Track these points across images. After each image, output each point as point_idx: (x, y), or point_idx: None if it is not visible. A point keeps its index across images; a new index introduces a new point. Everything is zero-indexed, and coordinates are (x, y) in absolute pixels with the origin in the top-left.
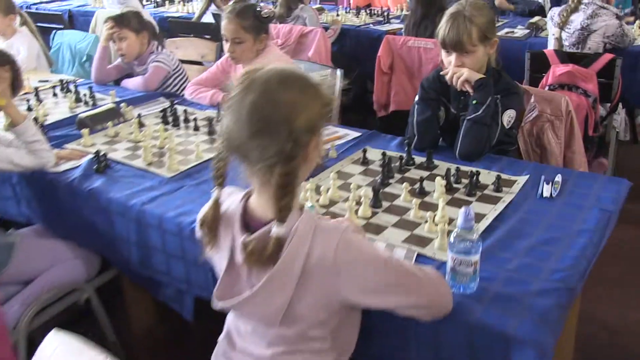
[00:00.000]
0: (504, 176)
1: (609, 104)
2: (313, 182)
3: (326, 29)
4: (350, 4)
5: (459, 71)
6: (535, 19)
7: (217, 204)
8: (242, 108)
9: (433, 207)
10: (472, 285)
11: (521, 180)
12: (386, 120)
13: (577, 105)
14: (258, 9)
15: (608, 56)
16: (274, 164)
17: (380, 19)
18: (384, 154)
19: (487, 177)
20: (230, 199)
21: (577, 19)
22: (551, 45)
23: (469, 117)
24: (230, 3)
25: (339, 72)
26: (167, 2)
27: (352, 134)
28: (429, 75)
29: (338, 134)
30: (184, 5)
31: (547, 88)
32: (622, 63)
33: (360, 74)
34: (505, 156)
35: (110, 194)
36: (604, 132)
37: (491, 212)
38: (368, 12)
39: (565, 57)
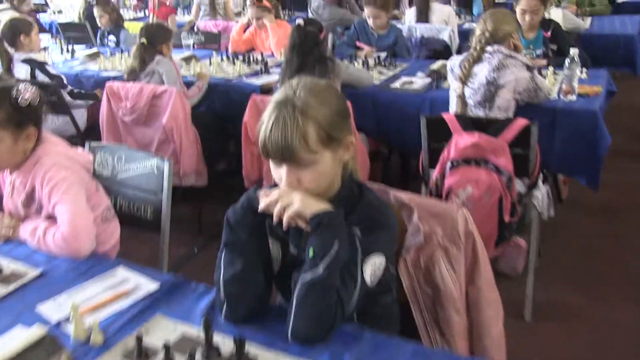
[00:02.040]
0: None
1: (526, 178)
2: None
3: (191, 84)
4: (228, 49)
5: (286, 197)
6: (438, 64)
7: None
8: None
9: None
10: None
11: None
12: None
13: (488, 186)
14: (14, 93)
15: (521, 122)
16: None
17: (260, 67)
18: (166, 350)
19: None
20: None
21: (482, 72)
22: (453, 104)
23: (303, 281)
24: None
25: (166, 165)
26: None
27: (145, 285)
28: (237, 203)
29: (123, 290)
30: None
31: (449, 164)
32: (539, 123)
33: (236, 137)
34: (374, 316)
35: None
36: (523, 211)
37: None
38: (247, 59)
39: (469, 123)
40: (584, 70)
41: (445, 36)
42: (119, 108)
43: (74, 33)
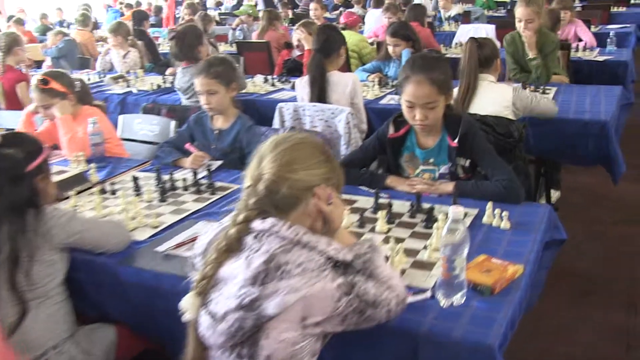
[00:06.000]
0: None
1: None
2: None
3: None
4: None
5: None
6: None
7: None
8: None
9: None
10: None
11: None
12: None
13: None
14: None
15: None
16: None
17: None
18: None
19: None
20: None
21: (234, 280)
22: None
23: None
24: None
25: None
26: None
27: None
28: None
29: None
30: None
31: None
32: None
33: None
34: None
35: None
36: None
37: None
38: None
39: None
40: (504, 216)
41: (340, 122)
42: None
43: None
